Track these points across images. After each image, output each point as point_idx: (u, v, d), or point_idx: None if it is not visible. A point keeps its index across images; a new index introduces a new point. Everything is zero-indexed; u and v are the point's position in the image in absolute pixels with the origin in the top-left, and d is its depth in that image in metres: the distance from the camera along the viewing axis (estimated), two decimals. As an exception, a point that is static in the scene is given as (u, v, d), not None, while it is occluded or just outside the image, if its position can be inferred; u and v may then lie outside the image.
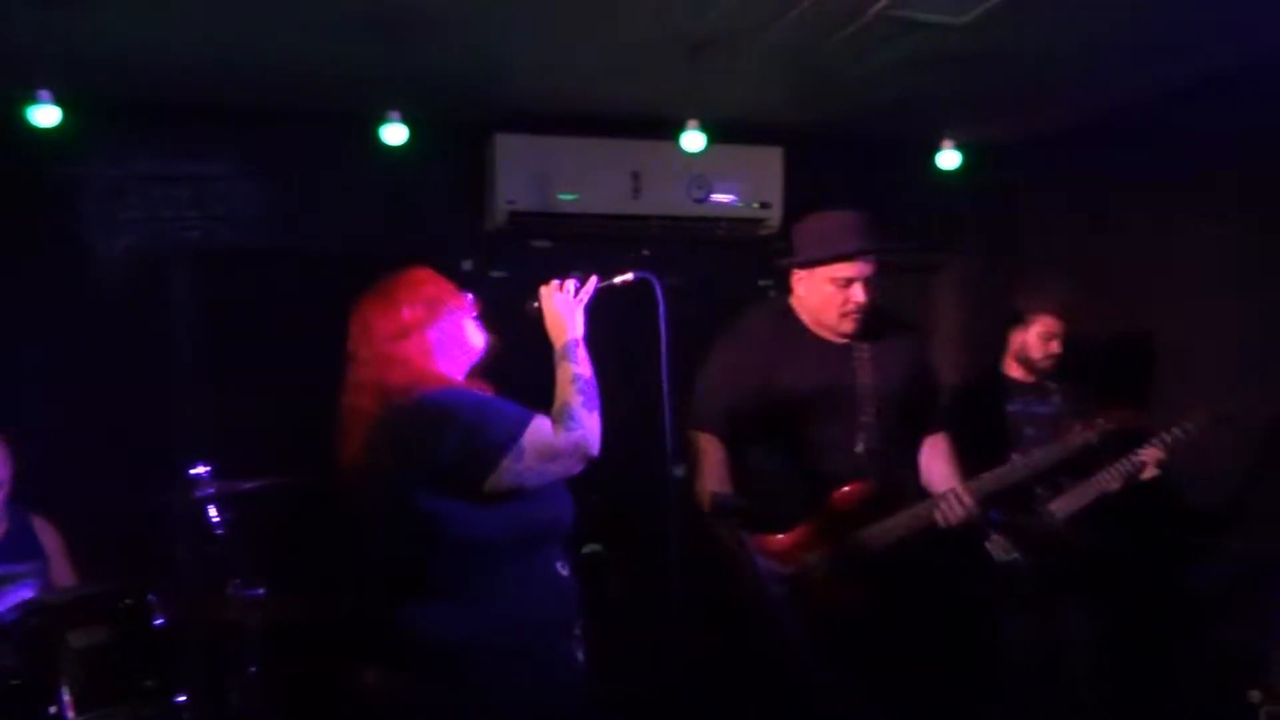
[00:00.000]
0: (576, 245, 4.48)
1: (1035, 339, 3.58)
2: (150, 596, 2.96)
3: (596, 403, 2.18)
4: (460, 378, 2.25)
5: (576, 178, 4.31)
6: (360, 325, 2.24)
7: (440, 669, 2.08)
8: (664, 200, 4.41)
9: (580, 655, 2.20)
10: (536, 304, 2.30)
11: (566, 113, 4.29)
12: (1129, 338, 4.43)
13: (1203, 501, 4.10)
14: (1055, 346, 3.56)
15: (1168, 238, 4.33)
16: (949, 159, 4.02)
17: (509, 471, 2.05)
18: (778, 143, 4.55)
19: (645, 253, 4.62)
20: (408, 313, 2.20)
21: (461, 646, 2.07)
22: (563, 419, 2.12)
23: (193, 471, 3.24)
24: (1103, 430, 3.11)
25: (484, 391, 2.21)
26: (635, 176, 4.37)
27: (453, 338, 2.24)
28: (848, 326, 2.90)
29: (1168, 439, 3.33)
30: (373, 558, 2.21)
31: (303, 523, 3.92)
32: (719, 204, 4.47)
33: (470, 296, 2.31)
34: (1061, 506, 3.45)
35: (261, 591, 3.21)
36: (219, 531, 3.24)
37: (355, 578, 2.25)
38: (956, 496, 2.86)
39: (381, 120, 3.60)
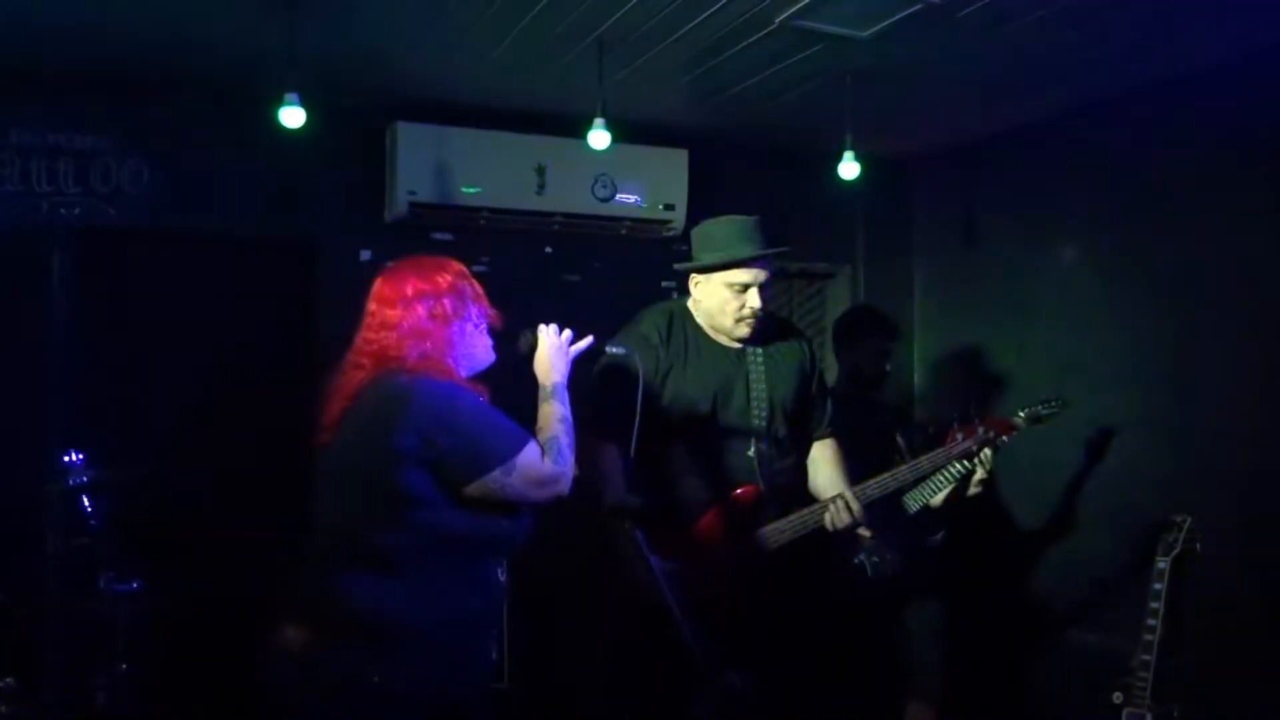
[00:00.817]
0: (478, 239, 4.44)
1: (868, 358, 3.87)
2: (12, 591, 2.83)
3: (574, 445, 2.28)
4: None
5: (480, 170, 4.25)
6: (396, 291, 2.25)
7: (368, 641, 2.10)
8: (568, 197, 4.39)
9: (495, 654, 2.29)
10: (533, 339, 2.40)
11: (471, 104, 4.24)
12: (991, 350, 4.70)
13: (1034, 509, 4.33)
14: (887, 365, 3.91)
15: (1040, 256, 4.52)
16: (849, 169, 4.11)
17: (494, 483, 2.13)
18: (684, 145, 4.59)
19: (548, 250, 4.61)
20: (450, 302, 2.26)
21: (395, 624, 2.11)
22: (550, 452, 2.21)
23: (65, 459, 3.11)
24: (982, 438, 3.22)
25: (485, 399, 2.26)
26: (540, 172, 4.34)
27: (473, 341, 2.30)
28: (743, 331, 2.94)
29: (988, 452, 3.43)
30: (326, 520, 2.22)
31: (181, 514, 3.81)
32: (623, 203, 4.48)
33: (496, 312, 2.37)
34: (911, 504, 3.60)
35: (135, 585, 3.10)
36: (92, 522, 3.11)
37: (297, 536, 2.24)
38: (846, 502, 2.92)
39: (279, 101, 3.49)
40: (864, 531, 3.46)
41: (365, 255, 4.33)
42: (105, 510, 3.15)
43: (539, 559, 2.44)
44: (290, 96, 3.45)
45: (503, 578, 2.29)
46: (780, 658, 2.89)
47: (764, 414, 2.96)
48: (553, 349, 2.39)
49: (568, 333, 2.43)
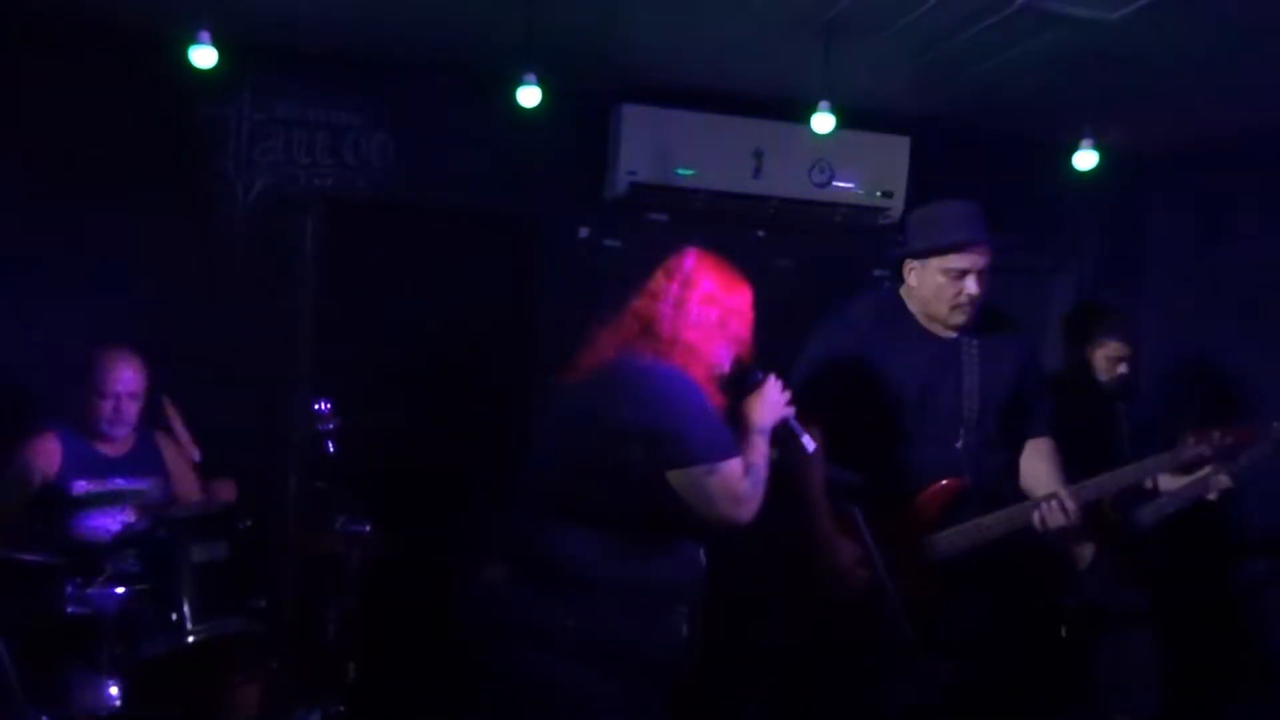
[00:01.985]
0: (692, 220, 4.51)
1: (1103, 361, 3.56)
2: (261, 524, 3.12)
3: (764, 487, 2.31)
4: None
5: (698, 153, 4.32)
6: (699, 281, 2.35)
7: (565, 589, 2.23)
8: (784, 182, 4.39)
9: (685, 629, 2.35)
10: (761, 380, 2.41)
11: (693, 87, 4.30)
12: (1228, 357, 4.39)
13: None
14: (1123, 369, 3.57)
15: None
16: (1085, 159, 3.90)
17: (694, 478, 2.20)
18: (905, 132, 4.50)
19: (761, 234, 4.63)
20: (734, 319, 2.36)
21: (593, 577, 2.23)
22: (751, 475, 2.27)
23: (315, 406, 3.39)
24: (1218, 443, 3.02)
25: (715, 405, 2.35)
26: (757, 156, 4.36)
27: (723, 355, 2.37)
28: (958, 319, 2.87)
29: (1233, 468, 3.23)
30: (544, 468, 2.35)
31: (409, 463, 4.10)
32: (840, 190, 4.44)
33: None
34: (1148, 514, 3.39)
35: (366, 528, 3.36)
36: (331, 467, 3.39)
37: (509, 486, 2.39)
38: (1060, 501, 2.81)
39: (514, 81, 3.67)
40: (1083, 550, 3.33)
41: (583, 232, 4.51)
42: (342, 456, 3.42)
43: (737, 538, 2.48)
44: (528, 76, 3.61)
45: (703, 560, 2.36)
46: (978, 654, 2.82)
47: (975, 407, 2.89)
48: (771, 399, 2.41)
49: (787, 394, 2.44)
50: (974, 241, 2.80)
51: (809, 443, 2.43)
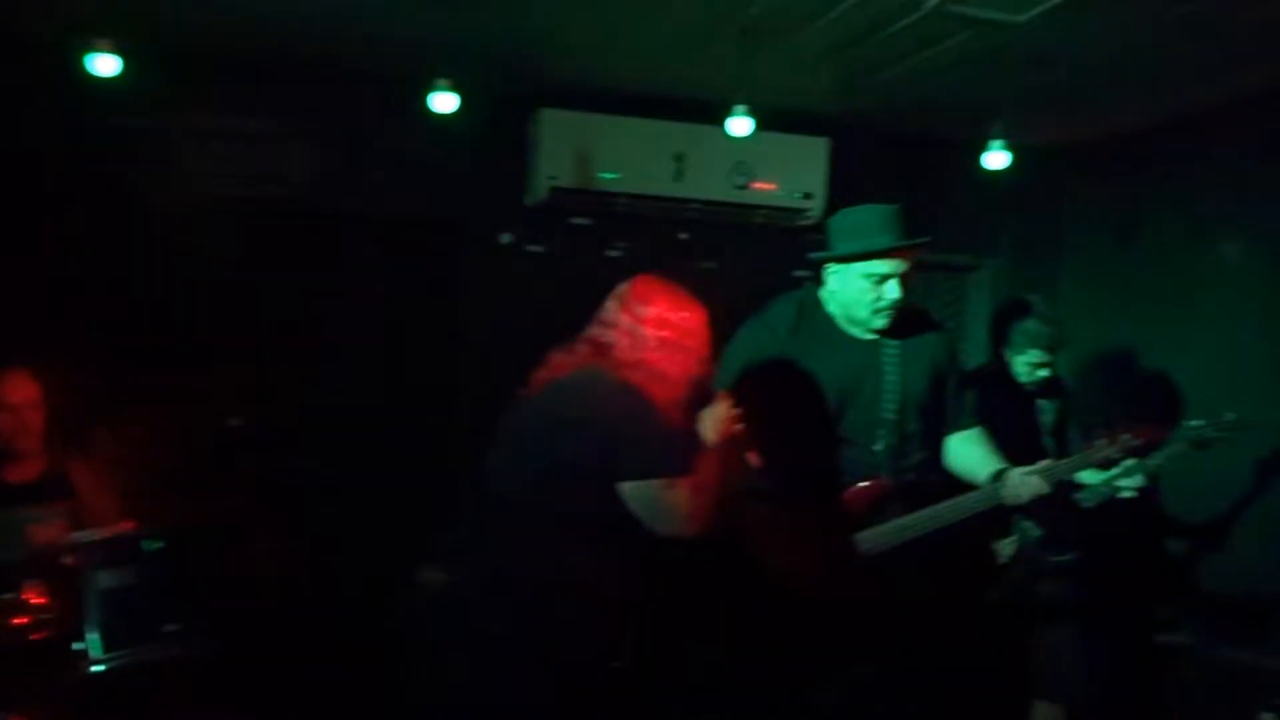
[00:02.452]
0: (615, 224, 4.50)
1: (1024, 366, 3.63)
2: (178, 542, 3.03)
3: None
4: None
5: (619, 157, 4.32)
6: (647, 308, 2.42)
7: (503, 588, 2.27)
8: (705, 184, 4.42)
9: (620, 632, 2.42)
10: (713, 396, 2.49)
11: (614, 91, 4.29)
12: (1145, 353, 4.49)
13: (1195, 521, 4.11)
14: (1043, 373, 3.62)
15: (1200, 255, 4.29)
16: (997, 159, 3.97)
17: (644, 491, 2.28)
18: (824, 133, 4.54)
19: (683, 236, 4.64)
20: (688, 342, 2.43)
21: (535, 576, 2.28)
22: (700, 495, 2.33)
23: (231, 423, 3.31)
24: (1125, 444, 3.08)
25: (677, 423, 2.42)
26: (678, 159, 4.38)
27: (679, 378, 2.43)
28: (879, 323, 2.88)
29: (1149, 466, 3.32)
30: (496, 471, 2.40)
31: (332, 475, 4.02)
32: (760, 191, 4.47)
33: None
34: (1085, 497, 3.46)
35: (289, 543, 3.28)
36: (250, 484, 3.31)
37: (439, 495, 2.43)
38: (1023, 474, 2.83)
39: (432, 87, 3.62)
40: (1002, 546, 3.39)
41: (505, 238, 4.47)
42: (262, 470, 3.34)
43: (672, 543, 2.50)
44: (442, 83, 3.56)
45: (647, 568, 2.41)
46: (905, 652, 2.84)
47: (894, 408, 2.90)
48: (720, 416, 2.48)
49: (736, 410, 2.50)
50: (895, 247, 2.82)
51: (753, 457, 2.51)
